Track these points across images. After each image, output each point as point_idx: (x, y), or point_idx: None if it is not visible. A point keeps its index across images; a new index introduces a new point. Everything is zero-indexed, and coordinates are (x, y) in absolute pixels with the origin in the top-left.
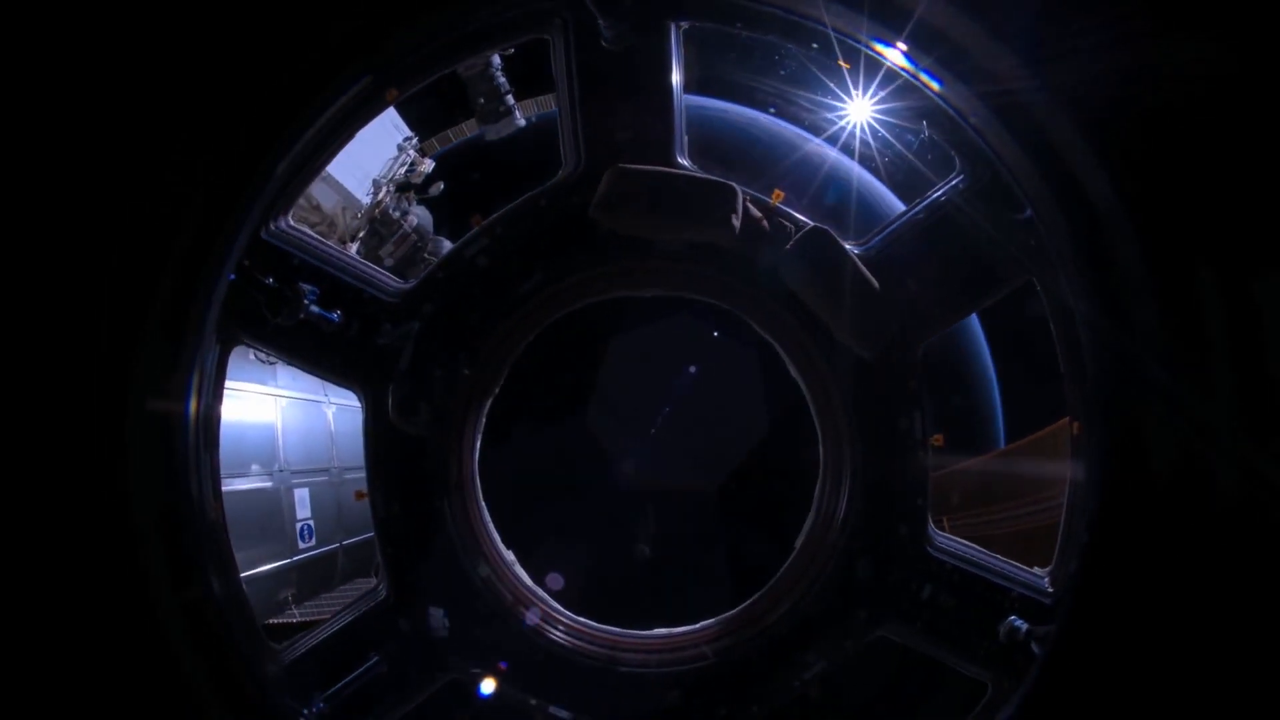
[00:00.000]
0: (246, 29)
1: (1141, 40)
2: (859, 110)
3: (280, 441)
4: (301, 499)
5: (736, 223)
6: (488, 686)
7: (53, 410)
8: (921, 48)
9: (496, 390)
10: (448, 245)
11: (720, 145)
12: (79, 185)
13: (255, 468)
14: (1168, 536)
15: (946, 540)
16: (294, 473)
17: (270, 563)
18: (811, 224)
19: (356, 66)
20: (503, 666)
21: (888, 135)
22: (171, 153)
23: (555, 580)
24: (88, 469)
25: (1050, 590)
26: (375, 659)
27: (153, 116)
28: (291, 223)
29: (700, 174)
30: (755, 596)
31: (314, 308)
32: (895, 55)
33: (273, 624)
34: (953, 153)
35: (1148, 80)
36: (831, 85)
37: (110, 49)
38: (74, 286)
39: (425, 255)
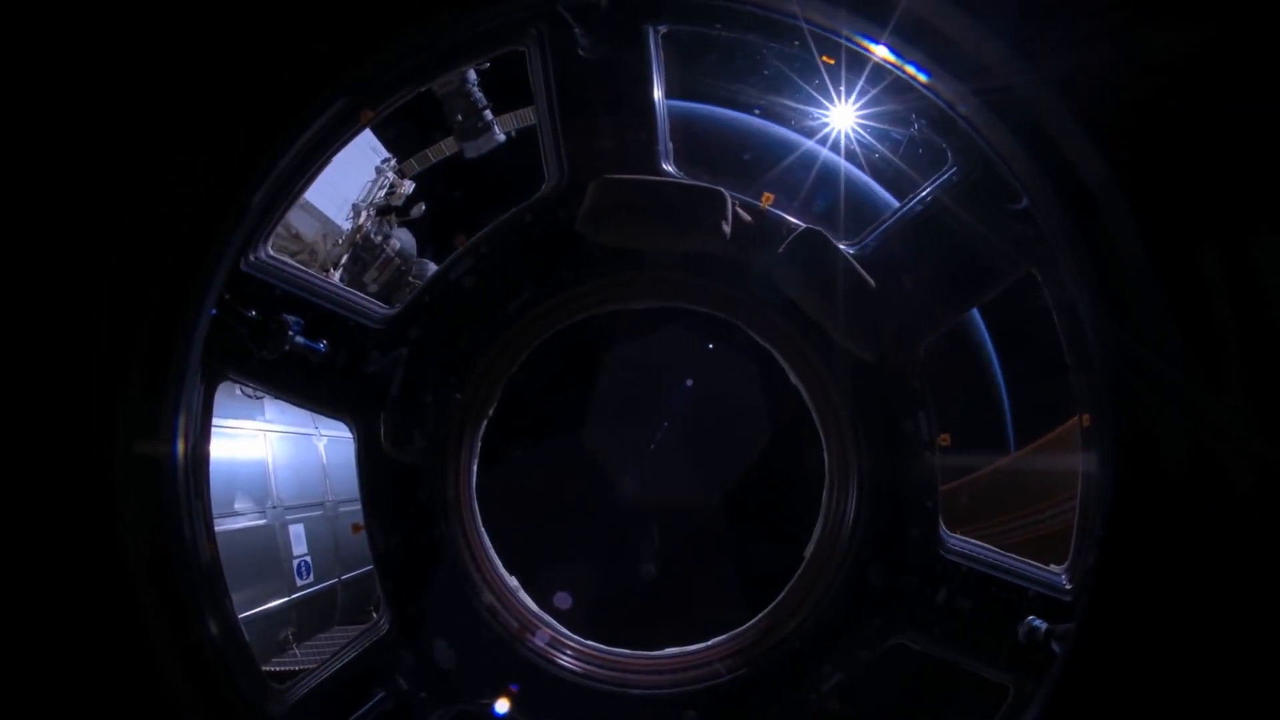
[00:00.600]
0: (226, 49)
1: (1134, 24)
2: (846, 109)
3: (272, 478)
4: (297, 535)
5: (726, 229)
6: (497, 714)
7: (43, 459)
8: (908, 40)
9: (490, 413)
10: (432, 267)
11: (705, 148)
12: (72, 213)
13: (248, 505)
14: (1184, 527)
15: (959, 542)
16: (288, 509)
17: (268, 602)
18: (803, 225)
19: (333, 87)
20: (512, 694)
21: (872, 140)
22: (162, 176)
23: (561, 604)
24: (77, 517)
25: (1068, 587)
26: (380, 695)
27: (147, 137)
28: (271, 252)
29: (687, 181)
30: (767, 610)
31: (299, 339)
32: (881, 50)
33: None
34: (944, 145)
35: (1141, 63)
36: (815, 86)
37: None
38: (65, 333)
39: (410, 279)
